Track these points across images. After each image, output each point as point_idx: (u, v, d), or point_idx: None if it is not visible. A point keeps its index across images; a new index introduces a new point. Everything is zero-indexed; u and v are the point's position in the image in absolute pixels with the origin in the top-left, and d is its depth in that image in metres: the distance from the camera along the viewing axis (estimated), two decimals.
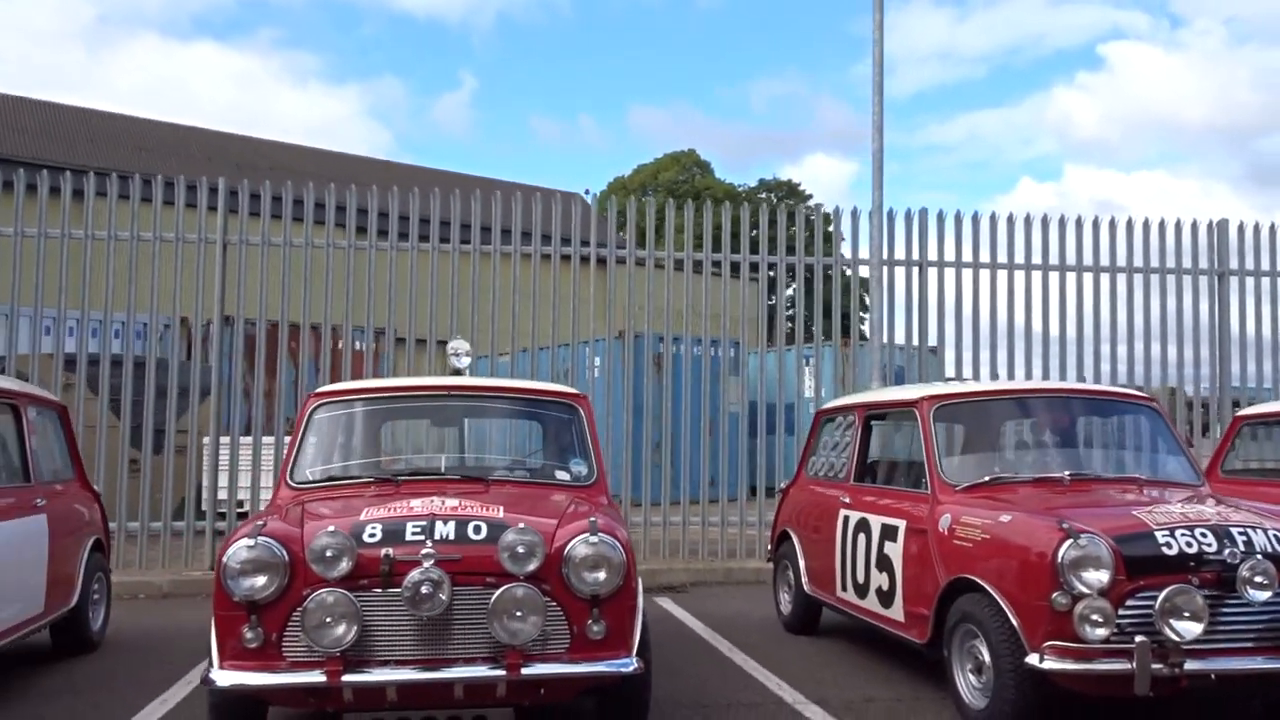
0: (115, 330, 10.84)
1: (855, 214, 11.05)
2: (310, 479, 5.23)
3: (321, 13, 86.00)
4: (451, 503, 4.52)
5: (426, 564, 4.06)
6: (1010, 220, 11.08)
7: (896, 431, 6.50)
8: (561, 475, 5.41)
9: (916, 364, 11.04)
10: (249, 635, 4.05)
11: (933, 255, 10.94)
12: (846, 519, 6.34)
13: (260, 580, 4.07)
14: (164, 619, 7.78)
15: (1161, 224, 11.30)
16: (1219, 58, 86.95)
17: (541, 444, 5.72)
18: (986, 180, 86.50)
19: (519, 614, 4.08)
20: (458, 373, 5.94)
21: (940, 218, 11.00)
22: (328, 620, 4.00)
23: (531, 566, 4.16)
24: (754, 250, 10.90)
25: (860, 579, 6.09)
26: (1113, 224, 11.23)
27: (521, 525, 4.22)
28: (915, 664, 6.08)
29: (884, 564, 5.79)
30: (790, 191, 53.60)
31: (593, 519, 4.42)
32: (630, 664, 4.26)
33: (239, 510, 9.79)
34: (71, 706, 5.24)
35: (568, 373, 10.98)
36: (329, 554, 4.09)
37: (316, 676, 4.01)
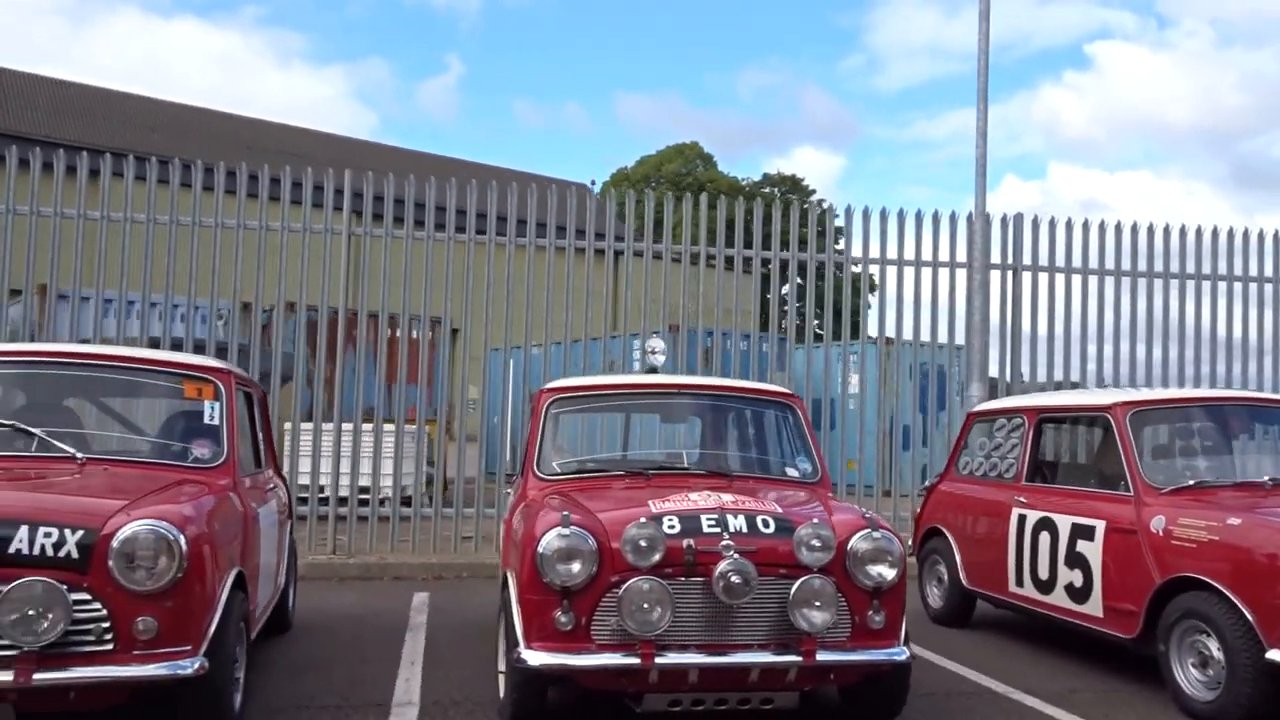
0: (181, 315, 10.88)
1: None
2: (557, 471, 5.45)
3: None
4: (727, 498, 4.74)
5: (734, 555, 4.29)
6: (1102, 227, 11.37)
7: (1079, 435, 6.75)
8: (790, 472, 5.65)
9: (956, 364, 11.25)
10: (562, 619, 4.28)
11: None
12: (1023, 518, 6.61)
13: (575, 567, 4.30)
14: (319, 600, 7.93)
15: (1245, 233, 11.63)
16: (1205, 59, 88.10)
17: (765, 441, 5.95)
18: (972, 177, 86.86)
19: (817, 604, 4.33)
20: (654, 370, 6.18)
21: (1035, 224, 11.29)
22: (645, 605, 4.23)
23: (826, 559, 4.40)
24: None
25: (1044, 575, 6.35)
26: (1199, 232, 11.54)
27: (815, 520, 4.46)
28: (1092, 656, 6.37)
29: (1077, 561, 6.06)
30: (794, 186, 53.91)
31: (868, 514, 4.67)
32: (903, 653, 4.53)
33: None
34: (327, 682, 5.44)
35: (614, 364, 11.10)
36: (643, 544, 4.32)
37: (629, 659, 4.24)
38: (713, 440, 5.93)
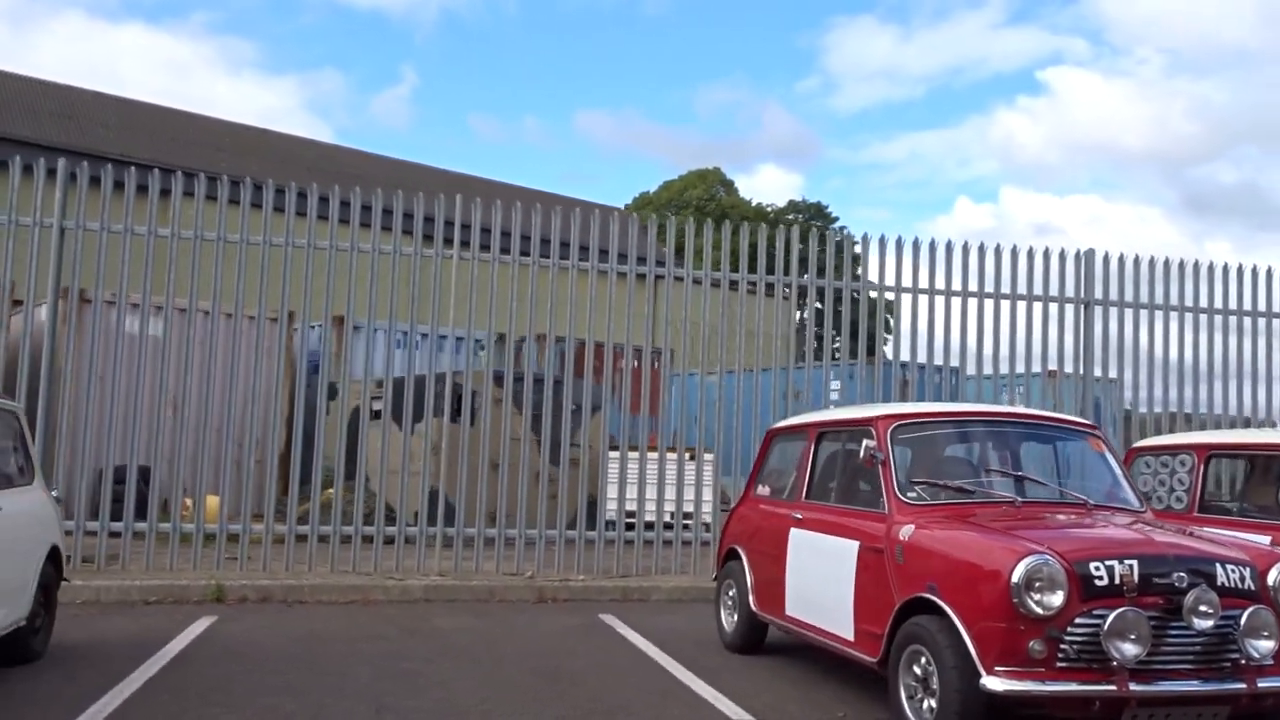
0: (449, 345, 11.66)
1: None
2: None
3: None
4: None
5: None
6: None
7: None
8: None
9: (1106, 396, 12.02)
10: None
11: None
12: None
13: None
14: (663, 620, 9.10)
15: None
16: (1156, 86, 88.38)
17: None
18: (925, 200, 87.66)
19: None
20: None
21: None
22: None
23: None
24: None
25: None
26: None
27: None
28: None
29: None
30: (817, 213, 55.25)
31: None
32: None
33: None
34: None
35: (800, 395, 11.30)
36: None
37: None
38: None
